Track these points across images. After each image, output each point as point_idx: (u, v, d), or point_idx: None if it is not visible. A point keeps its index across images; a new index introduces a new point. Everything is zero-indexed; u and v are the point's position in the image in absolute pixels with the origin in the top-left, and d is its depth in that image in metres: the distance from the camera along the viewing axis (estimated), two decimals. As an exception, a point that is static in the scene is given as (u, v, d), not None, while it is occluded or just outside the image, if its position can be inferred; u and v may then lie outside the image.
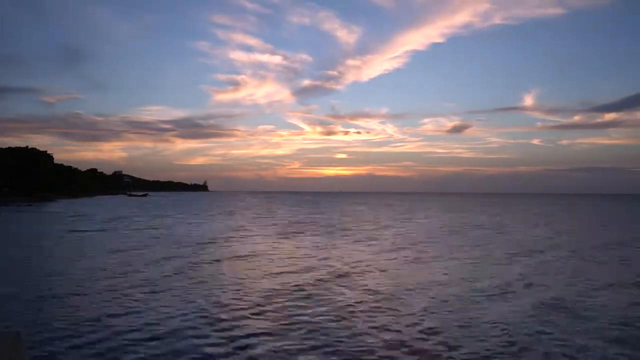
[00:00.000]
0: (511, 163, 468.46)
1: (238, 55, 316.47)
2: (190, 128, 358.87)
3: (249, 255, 19.90)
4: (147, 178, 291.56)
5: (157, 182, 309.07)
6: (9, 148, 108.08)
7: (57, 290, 12.50)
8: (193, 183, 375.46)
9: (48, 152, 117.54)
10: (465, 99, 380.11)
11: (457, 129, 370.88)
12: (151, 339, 8.49)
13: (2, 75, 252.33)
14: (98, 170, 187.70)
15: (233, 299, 11.72)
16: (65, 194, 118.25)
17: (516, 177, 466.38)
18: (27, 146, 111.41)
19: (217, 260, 18.27)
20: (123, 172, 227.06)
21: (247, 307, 10.81)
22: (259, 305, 10.99)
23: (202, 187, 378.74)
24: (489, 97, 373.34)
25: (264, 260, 18.34)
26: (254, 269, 16.27)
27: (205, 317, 9.95)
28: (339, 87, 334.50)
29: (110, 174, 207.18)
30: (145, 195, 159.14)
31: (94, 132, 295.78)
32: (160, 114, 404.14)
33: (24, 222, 40.27)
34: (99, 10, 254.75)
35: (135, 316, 10.01)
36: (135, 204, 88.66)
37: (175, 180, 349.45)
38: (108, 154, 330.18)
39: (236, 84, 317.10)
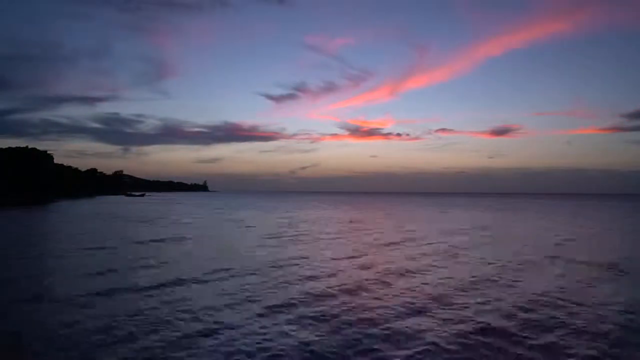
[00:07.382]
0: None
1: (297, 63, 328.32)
2: (230, 132, 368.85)
3: None
4: (147, 178, 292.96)
5: (157, 182, 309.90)
6: (9, 148, 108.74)
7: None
8: (192, 183, 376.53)
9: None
10: (504, 105, 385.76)
11: (496, 132, 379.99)
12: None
13: (90, 86, 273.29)
14: (98, 170, 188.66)
15: None
16: (65, 195, 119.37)
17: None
18: (27, 146, 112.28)
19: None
20: (124, 172, 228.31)
21: None
22: None
23: (202, 187, 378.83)
24: (526, 102, 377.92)
25: None
26: None
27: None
28: (398, 91, 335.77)
29: (111, 173, 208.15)
30: (142, 195, 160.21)
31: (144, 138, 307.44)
32: (210, 119, 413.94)
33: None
34: (181, 25, 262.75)
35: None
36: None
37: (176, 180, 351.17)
38: (147, 157, 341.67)
39: (294, 88, 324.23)
